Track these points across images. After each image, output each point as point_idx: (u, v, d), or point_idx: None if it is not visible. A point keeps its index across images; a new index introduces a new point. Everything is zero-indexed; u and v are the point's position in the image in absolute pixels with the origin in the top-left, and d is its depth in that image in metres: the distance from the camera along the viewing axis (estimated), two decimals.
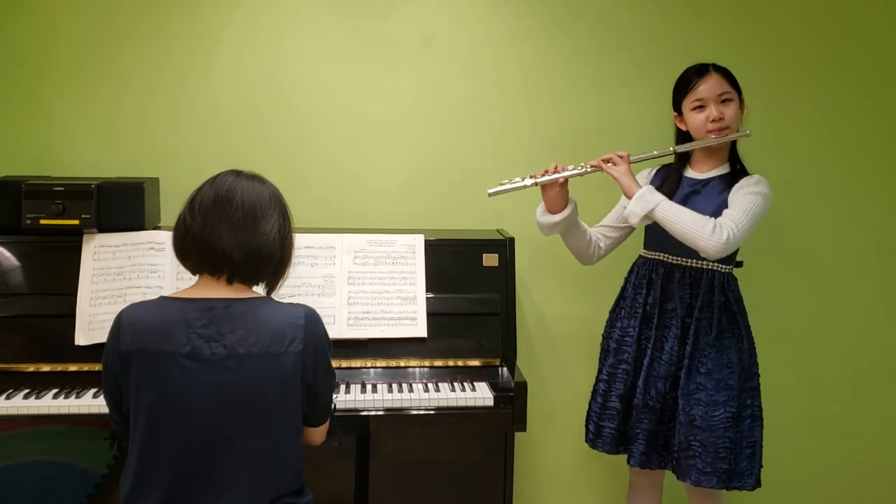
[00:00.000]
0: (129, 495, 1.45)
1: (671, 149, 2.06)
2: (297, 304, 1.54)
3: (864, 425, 2.73)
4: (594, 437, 2.15)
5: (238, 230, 1.46)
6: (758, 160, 2.10)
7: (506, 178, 2.09)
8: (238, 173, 1.54)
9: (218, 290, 1.49)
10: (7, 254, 2.11)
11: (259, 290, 1.58)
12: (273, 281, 1.58)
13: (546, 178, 2.04)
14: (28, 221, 2.08)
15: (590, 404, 2.20)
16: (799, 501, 2.74)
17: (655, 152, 2.05)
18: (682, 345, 2.02)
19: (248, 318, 1.46)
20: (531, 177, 2.05)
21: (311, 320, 1.51)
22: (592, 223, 2.23)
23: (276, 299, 1.56)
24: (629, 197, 1.97)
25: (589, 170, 2.04)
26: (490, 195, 2.10)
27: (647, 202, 1.93)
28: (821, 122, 2.59)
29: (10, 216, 2.09)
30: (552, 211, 2.09)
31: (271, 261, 1.51)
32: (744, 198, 1.95)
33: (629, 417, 2.09)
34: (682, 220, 1.90)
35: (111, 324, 1.48)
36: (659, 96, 2.49)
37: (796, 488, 2.71)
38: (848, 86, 2.59)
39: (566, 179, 2.05)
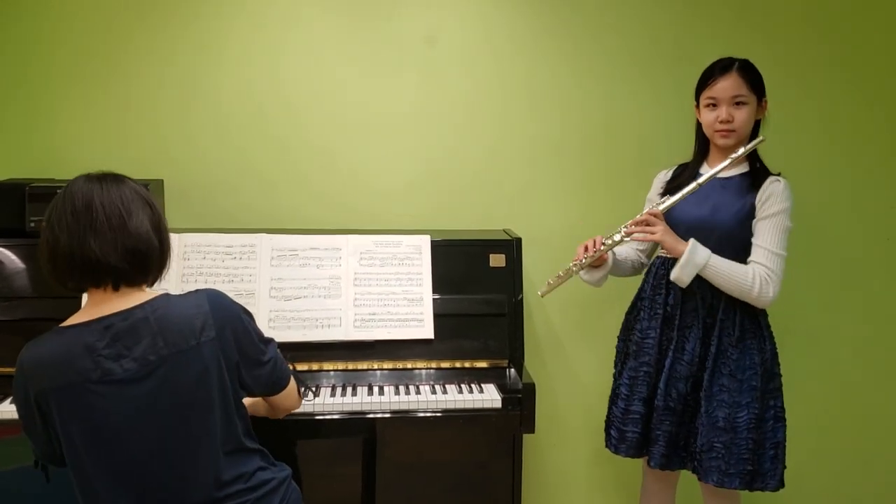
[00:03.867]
0: None
1: (695, 183, 1.97)
2: (197, 291, 1.48)
3: (875, 423, 2.70)
4: (617, 442, 2.11)
5: (106, 234, 1.38)
6: (766, 159, 2.08)
7: (555, 283, 2.07)
8: (89, 177, 1.44)
9: (110, 304, 1.41)
10: (12, 257, 2.10)
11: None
12: (158, 275, 1.50)
13: (590, 258, 2.03)
14: (32, 224, 2.08)
15: (610, 409, 2.17)
16: (811, 500, 2.72)
17: (683, 192, 1.98)
18: (704, 346, 2.00)
19: (150, 323, 1.39)
20: (575, 263, 2.04)
21: (216, 302, 1.46)
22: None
23: (179, 292, 1.50)
24: (675, 255, 1.95)
25: (627, 238, 2.02)
26: (542, 295, 2.11)
27: (696, 265, 1.92)
28: (828, 119, 2.57)
29: (15, 219, 2.09)
30: (596, 265, 2.10)
31: (152, 255, 1.44)
32: (772, 227, 1.94)
33: (651, 420, 2.07)
34: (729, 279, 1.92)
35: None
36: (663, 94, 2.49)
37: (809, 487, 2.69)
38: (856, 84, 2.57)
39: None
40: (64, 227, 1.38)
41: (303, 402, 1.73)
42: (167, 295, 1.47)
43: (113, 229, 1.39)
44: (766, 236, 1.95)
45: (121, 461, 1.38)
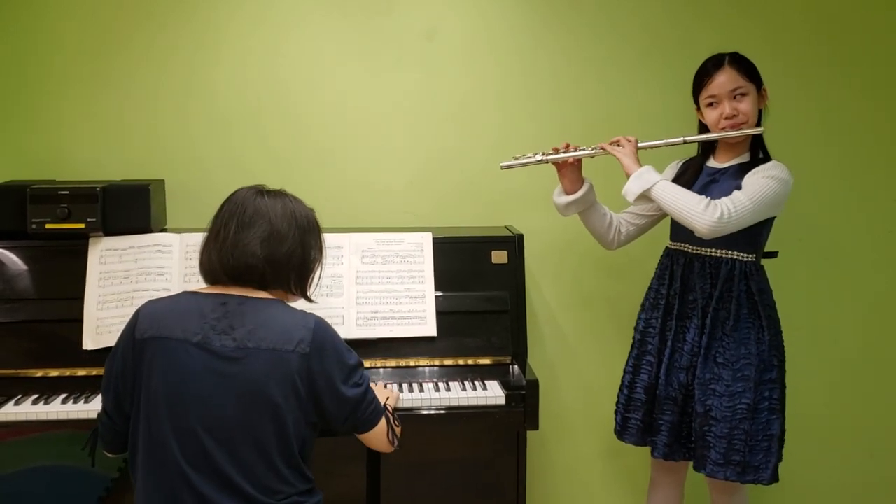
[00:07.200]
0: (141, 486, 1.49)
1: (682, 138, 2.03)
2: (311, 313, 1.57)
3: (881, 417, 2.69)
4: (621, 428, 2.15)
5: (213, 244, 1.55)
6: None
7: (518, 161, 2.11)
8: (251, 188, 1.61)
9: (234, 289, 1.55)
10: (13, 258, 2.10)
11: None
12: (296, 290, 1.63)
13: (555, 156, 2.07)
14: (34, 226, 2.07)
15: (617, 395, 2.19)
16: (817, 494, 2.72)
17: (666, 140, 2.03)
18: (703, 335, 1.99)
19: (259, 315, 1.51)
20: (543, 153, 2.08)
21: (320, 325, 1.55)
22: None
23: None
24: (628, 175, 1.97)
25: (599, 151, 2.05)
26: (503, 168, 2.13)
27: (645, 181, 1.94)
28: (829, 113, 2.56)
29: (16, 221, 2.08)
30: (568, 191, 2.11)
31: (249, 270, 1.54)
32: (755, 181, 1.92)
33: (654, 408, 2.07)
34: (678, 199, 1.90)
35: (125, 323, 1.54)
36: (663, 88, 2.48)
37: (815, 481, 2.69)
38: (858, 77, 2.55)
39: (579, 160, 2.08)
40: (212, 226, 1.58)
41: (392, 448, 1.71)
42: (283, 302, 1.58)
43: (219, 240, 1.54)
44: (746, 186, 1.92)
45: (186, 425, 1.45)
